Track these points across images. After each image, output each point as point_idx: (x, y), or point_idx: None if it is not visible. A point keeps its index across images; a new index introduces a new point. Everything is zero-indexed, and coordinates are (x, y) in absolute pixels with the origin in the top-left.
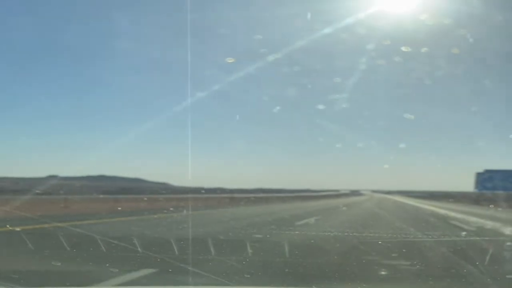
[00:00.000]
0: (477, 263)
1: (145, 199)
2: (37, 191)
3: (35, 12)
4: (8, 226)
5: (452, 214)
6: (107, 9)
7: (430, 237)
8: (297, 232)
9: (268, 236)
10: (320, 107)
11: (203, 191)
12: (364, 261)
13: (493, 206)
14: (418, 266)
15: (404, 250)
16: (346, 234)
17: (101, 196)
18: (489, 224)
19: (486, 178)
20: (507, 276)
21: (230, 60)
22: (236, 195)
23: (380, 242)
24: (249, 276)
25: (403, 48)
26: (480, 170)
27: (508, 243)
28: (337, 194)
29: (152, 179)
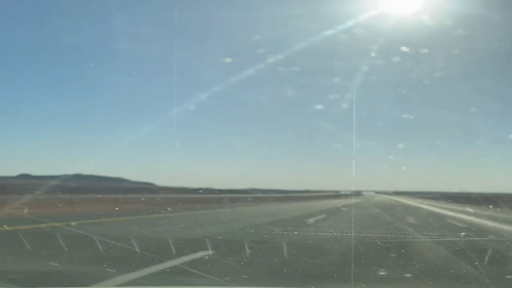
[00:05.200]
0: (476, 263)
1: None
2: None
3: (34, 12)
4: None
5: None
6: (106, 10)
7: (429, 237)
8: (295, 232)
9: (266, 236)
10: (321, 107)
11: (200, 191)
12: (363, 261)
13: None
14: (417, 266)
15: (403, 250)
16: (344, 234)
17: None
18: None
19: None
20: (506, 277)
21: (228, 60)
22: (234, 195)
23: (379, 243)
24: (247, 276)
25: (404, 49)
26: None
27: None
28: (336, 195)
29: (136, 179)
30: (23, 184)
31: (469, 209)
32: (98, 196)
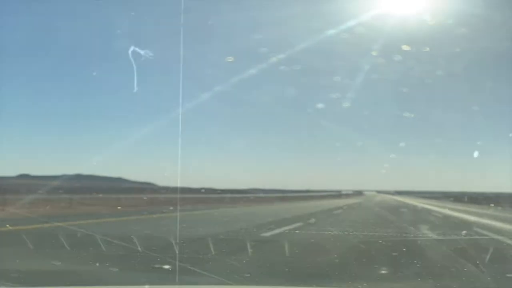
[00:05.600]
0: (477, 262)
1: None
2: None
3: (32, 11)
4: None
5: None
6: (107, 9)
7: (430, 236)
8: (297, 232)
9: (268, 235)
10: (323, 107)
11: (203, 191)
12: (364, 260)
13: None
14: (418, 265)
15: (404, 249)
16: (346, 233)
17: None
18: None
19: None
20: (507, 275)
21: (229, 59)
22: (235, 195)
23: (380, 241)
24: (249, 275)
25: (405, 48)
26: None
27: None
28: (337, 195)
29: (136, 179)
30: (23, 184)
31: (485, 211)
32: (99, 196)
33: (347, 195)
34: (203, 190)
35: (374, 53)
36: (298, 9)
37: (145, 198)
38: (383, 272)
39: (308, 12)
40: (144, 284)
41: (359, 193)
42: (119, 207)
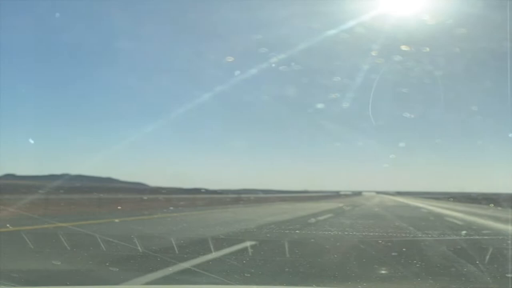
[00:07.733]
0: (477, 261)
1: None
2: None
3: (35, 11)
4: None
5: None
6: (106, 9)
7: (430, 236)
8: (297, 232)
9: (268, 235)
10: (322, 106)
11: (203, 191)
12: (364, 260)
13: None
14: (418, 265)
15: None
16: (346, 233)
17: None
18: None
19: None
20: (507, 275)
21: (229, 59)
22: (234, 196)
23: (380, 241)
24: (249, 275)
25: (405, 48)
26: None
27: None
28: (335, 196)
29: (126, 179)
30: (8, 185)
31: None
32: (87, 196)
33: (346, 196)
34: (203, 191)
35: (374, 53)
36: (298, 10)
37: (145, 198)
38: None
39: (308, 12)
40: (144, 283)
41: (357, 193)
42: (118, 207)
